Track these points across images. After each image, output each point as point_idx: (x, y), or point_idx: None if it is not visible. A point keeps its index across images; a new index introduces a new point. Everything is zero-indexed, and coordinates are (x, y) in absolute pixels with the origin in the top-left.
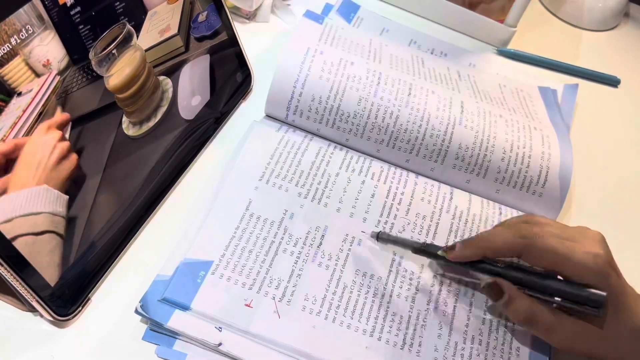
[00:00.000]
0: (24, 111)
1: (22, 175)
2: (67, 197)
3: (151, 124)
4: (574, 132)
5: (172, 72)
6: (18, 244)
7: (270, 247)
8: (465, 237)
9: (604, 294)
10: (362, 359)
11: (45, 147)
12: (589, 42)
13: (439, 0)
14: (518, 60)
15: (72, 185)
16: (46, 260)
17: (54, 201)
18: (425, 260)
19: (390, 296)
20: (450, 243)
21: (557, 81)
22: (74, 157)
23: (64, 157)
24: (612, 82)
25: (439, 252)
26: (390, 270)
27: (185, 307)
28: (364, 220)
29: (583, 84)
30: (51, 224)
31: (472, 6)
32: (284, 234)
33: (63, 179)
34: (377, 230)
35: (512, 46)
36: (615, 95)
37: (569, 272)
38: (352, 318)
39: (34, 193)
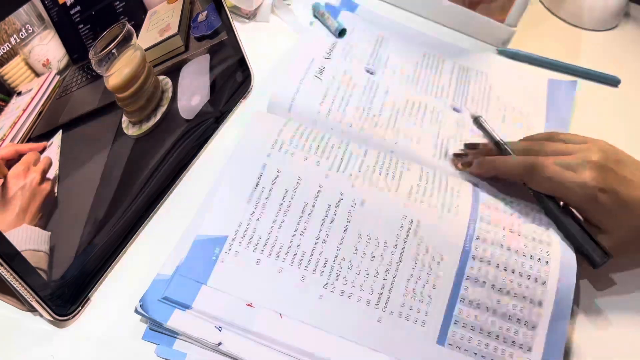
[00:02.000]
0: (24, 111)
1: (4, 217)
2: (49, 233)
3: (151, 123)
4: (573, 131)
5: (172, 71)
6: None
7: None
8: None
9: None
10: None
11: (24, 192)
12: (589, 42)
13: (439, 0)
14: (518, 60)
15: (64, 201)
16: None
17: (34, 239)
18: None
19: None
20: None
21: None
22: (54, 195)
23: (45, 198)
24: (612, 82)
25: (460, 165)
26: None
27: (201, 283)
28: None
29: (583, 83)
30: (33, 259)
31: (472, 6)
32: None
33: (45, 219)
34: (477, 114)
35: (512, 46)
36: (615, 95)
37: (564, 198)
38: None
39: (13, 233)
